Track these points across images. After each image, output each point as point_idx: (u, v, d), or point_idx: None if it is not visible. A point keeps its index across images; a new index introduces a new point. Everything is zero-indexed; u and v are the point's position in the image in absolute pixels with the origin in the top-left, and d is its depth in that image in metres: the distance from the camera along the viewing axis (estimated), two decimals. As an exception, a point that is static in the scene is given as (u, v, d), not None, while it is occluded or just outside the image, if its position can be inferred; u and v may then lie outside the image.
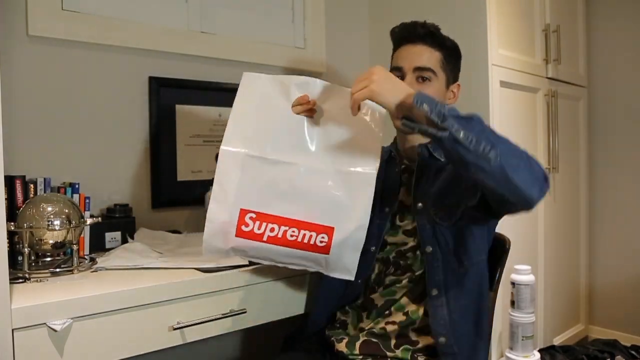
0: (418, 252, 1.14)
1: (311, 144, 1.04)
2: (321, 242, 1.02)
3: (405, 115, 0.92)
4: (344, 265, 1.05)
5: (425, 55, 1.15)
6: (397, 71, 1.16)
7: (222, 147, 1.01)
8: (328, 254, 1.03)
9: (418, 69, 1.14)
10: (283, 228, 1.01)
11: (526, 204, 0.91)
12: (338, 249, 1.03)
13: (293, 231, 1.01)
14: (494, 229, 1.20)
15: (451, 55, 1.19)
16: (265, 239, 1.01)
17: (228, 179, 1.00)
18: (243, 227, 1.01)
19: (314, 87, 1.07)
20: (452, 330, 1.08)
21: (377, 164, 1.03)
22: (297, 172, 1.01)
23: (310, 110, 1.04)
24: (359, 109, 0.99)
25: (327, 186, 1.02)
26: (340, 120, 1.05)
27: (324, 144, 1.04)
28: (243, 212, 1.00)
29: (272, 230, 1.01)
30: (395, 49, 1.21)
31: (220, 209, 1.00)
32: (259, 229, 1.01)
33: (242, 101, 1.05)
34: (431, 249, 1.11)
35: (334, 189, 1.02)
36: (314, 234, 1.02)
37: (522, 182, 0.87)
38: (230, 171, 1.00)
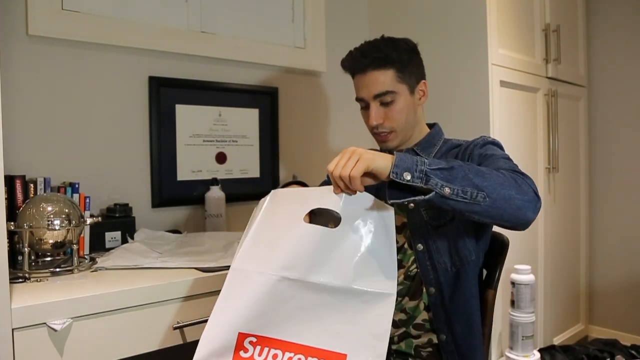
0: (407, 248, 1.15)
1: (325, 258, 0.92)
2: None
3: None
4: None
5: (380, 80, 1.13)
6: (362, 101, 1.18)
7: (233, 265, 0.93)
8: None
9: (377, 95, 1.14)
10: (288, 354, 0.90)
11: (523, 226, 0.95)
12: None
13: (299, 358, 0.90)
14: (490, 231, 1.20)
15: (404, 62, 1.15)
16: None
17: (232, 297, 0.92)
18: (241, 353, 0.89)
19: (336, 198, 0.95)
20: (450, 329, 1.11)
21: (395, 284, 0.94)
22: (306, 289, 0.90)
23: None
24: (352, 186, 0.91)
25: (340, 306, 0.91)
26: (358, 231, 0.94)
27: (338, 257, 0.92)
28: (242, 336, 0.90)
29: (274, 357, 0.90)
30: (352, 78, 1.21)
31: (217, 330, 0.90)
32: (259, 354, 0.90)
33: (262, 221, 0.97)
34: (422, 247, 1.12)
35: (347, 309, 0.91)
36: None
37: (516, 209, 0.91)
38: (236, 290, 0.92)
